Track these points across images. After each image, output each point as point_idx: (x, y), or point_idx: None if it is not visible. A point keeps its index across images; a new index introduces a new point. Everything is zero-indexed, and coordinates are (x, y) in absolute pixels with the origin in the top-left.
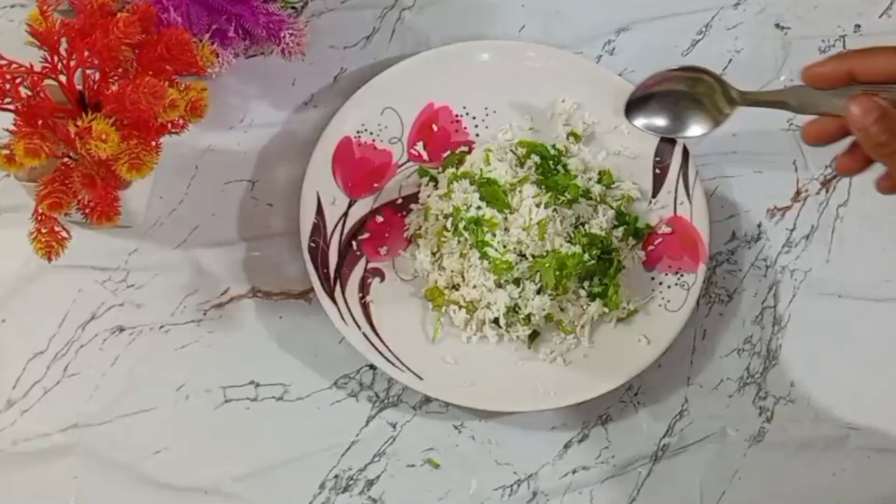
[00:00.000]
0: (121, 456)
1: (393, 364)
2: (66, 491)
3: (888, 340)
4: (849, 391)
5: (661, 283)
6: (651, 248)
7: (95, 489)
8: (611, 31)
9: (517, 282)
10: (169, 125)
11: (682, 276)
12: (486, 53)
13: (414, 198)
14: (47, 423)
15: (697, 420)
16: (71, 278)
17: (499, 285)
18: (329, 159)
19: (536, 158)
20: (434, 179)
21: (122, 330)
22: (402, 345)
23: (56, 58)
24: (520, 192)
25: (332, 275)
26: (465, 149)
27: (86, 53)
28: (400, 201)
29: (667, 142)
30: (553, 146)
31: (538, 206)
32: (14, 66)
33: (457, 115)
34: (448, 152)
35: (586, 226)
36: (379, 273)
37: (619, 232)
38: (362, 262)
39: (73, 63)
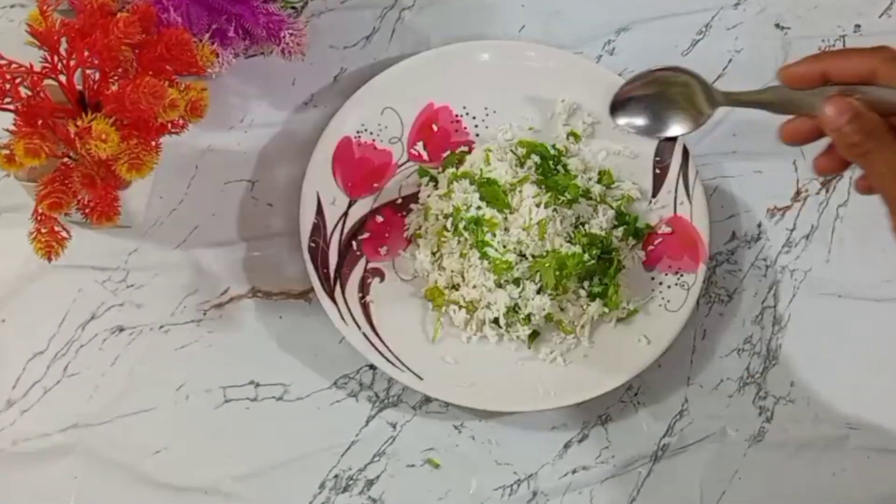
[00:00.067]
0: (121, 456)
1: (393, 364)
2: (66, 491)
3: (888, 340)
4: (849, 391)
5: (661, 283)
6: (651, 248)
7: (95, 489)
8: (611, 31)
9: (517, 282)
10: (169, 125)
11: (682, 275)
12: (486, 53)
13: (414, 198)
14: (47, 423)
15: (697, 420)
16: (71, 278)
17: (499, 285)
18: (329, 159)
19: (536, 158)
20: (434, 179)
21: (122, 330)
22: (402, 345)
23: (56, 58)
24: (520, 192)
25: (332, 275)
26: (465, 149)
27: (86, 53)
28: (400, 201)
29: (667, 141)
30: (553, 146)
31: (538, 206)
32: (14, 66)
33: (457, 115)
34: (448, 152)
35: (586, 226)
36: (379, 273)
37: (619, 232)
38: (362, 262)
39: (73, 63)
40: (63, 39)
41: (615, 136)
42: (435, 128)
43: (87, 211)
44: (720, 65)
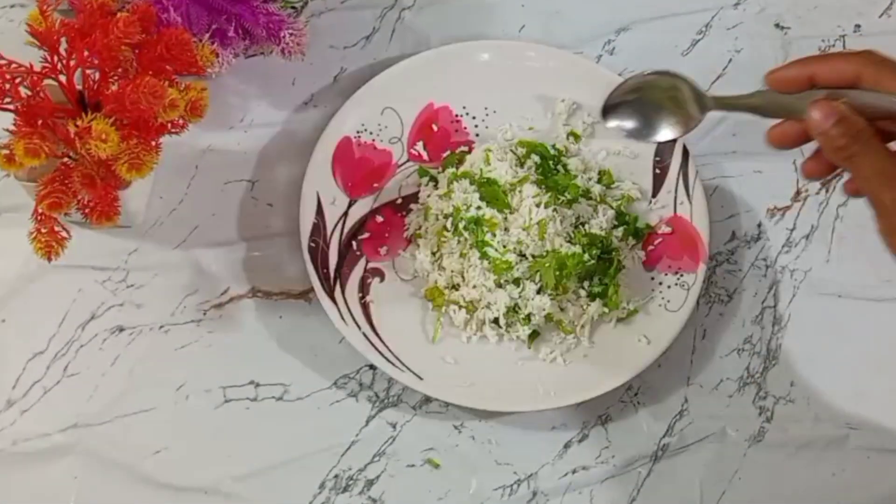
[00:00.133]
0: (121, 456)
1: (393, 364)
2: (66, 491)
3: (888, 340)
4: (849, 391)
5: (661, 283)
6: (651, 248)
7: (95, 489)
8: (611, 31)
9: (517, 282)
10: (169, 125)
11: (682, 275)
12: (486, 53)
13: (414, 198)
14: (47, 423)
15: (697, 420)
16: (71, 278)
17: (499, 285)
18: (329, 159)
19: (536, 158)
20: (434, 179)
21: (122, 330)
22: (402, 345)
23: (56, 58)
24: (520, 192)
25: (332, 275)
26: (465, 149)
27: (86, 53)
28: (400, 201)
29: (667, 141)
30: (553, 146)
31: (538, 205)
32: (14, 66)
33: (457, 115)
34: (448, 152)
35: (586, 226)
36: (379, 273)
37: (619, 232)
38: (362, 262)
39: (73, 63)
40: (63, 39)
41: (615, 136)
42: (435, 128)
43: (87, 211)
44: (720, 65)
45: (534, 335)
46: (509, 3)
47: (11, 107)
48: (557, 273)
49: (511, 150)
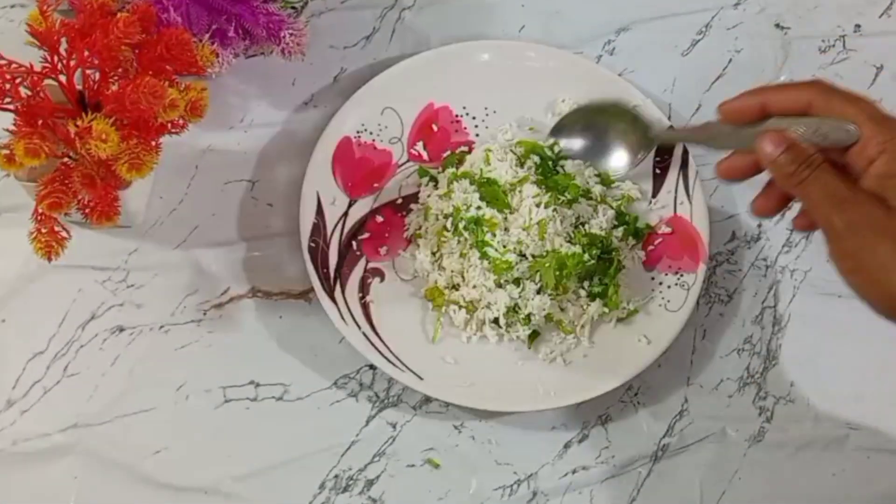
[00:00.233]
0: (121, 456)
1: (393, 364)
2: (66, 491)
3: (888, 340)
4: (849, 391)
5: (661, 283)
6: (651, 248)
7: (95, 489)
8: (611, 31)
9: (517, 282)
10: (169, 125)
11: (682, 276)
12: (486, 53)
13: (414, 198)
14: (47, 423)
15: (697, 420)
16: (71, 278)
17: (499, 285)
18: (329, 159)
19: (536, 158)
20: (434, 179)
21: (122, 330)
22: (402, 345)
23: (56, 58)
24: (520, 192)
25: (332, 275)
26: (465, 149)
27: (86, 53)
28: (400, 201)
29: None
30: (551, 148)
31: (538, 206)
32: (14, 66)
33: (457, 115)
34: (448, 152)
35: (586, 226)
36: (379, 273)
37: (619, 232)
38: (362, 262)
39: (73, 63)
40: (63, 39)
41: None
42: (435, 128)
43: (87, 211)
44: (720, 65)
45: (534, 335)
46: (509, 3)
47: (11, 107)
48: (557, 273)
49: (511, 151)
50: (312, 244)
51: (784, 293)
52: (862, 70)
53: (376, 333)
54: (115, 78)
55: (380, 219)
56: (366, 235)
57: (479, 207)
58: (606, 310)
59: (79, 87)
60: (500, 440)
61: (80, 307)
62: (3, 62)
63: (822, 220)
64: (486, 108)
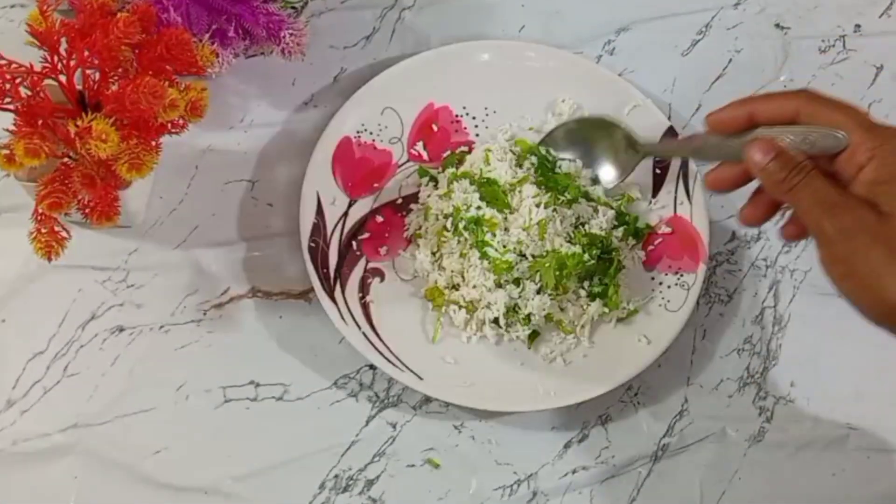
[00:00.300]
0: (121, 456)
1: (393, 364)
2: (66, 491)
3: (888, 340)
4: (849, 391)
5: (661, 283)
6: (651, 248)
7: (95, 489)
8: (611, 31)
9: (517, 282)
10: (169, 125)
11: (682, 276)
12: (486, 53)
13: (414, 198)
14: (47, 423)
15: (697, 420)
16: (71, 278)
17: (499, 285)
18: (329, 159)
19: (534, 159)
20: (434, 179)
21: (122, 330)
22: (402, 345)
23: (56, 58)
24: (520, 192)
25: (332, 275)
26: (465, 149)
27: (86, 53)
28: (400, 201)
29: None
30: (547, 150)
31: (538, 206)
32: (14, 66)
33: (457, 115)
34: (448, 152)
35: (586, 226)
36: (379, 273)
37: (619, 232)
38: (362, 262)
39: (73, 63)
40: (63, 39)
41: None
42: (435, 128)
43: (87, 211)
44: (720, 65)
45: (534, 335)
46: (509, 3)
47: (11, 107)
48: (557, 273)
49: (511, 150)
50: (312, 244)
51: (784, 293)
52: (862, 70)
53: (376, 333)
54: (115, 78)
55: (380, 219)
56: (366, 235)
57: (479, 207)
58: (606, 310)
59: (79, 87)
60: (500, 440)
61: (80, 307)
62: (3, 62)
63: (813, 225)
64: (486, 108)
